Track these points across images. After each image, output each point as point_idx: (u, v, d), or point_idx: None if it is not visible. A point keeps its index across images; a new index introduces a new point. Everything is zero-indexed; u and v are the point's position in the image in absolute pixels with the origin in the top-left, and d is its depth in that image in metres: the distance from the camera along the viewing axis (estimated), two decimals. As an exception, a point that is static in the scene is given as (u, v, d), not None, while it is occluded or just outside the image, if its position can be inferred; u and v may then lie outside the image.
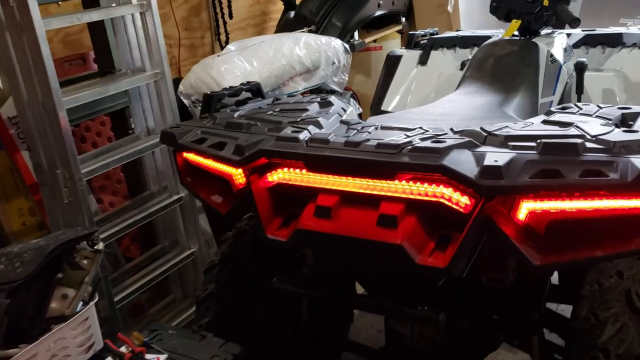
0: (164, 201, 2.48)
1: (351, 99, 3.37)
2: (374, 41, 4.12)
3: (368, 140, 1.42)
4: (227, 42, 4.21)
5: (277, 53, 3.01)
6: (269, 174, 1.56)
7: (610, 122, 1.43)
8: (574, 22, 2.30)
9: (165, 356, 1.72)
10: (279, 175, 1.53)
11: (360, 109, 3.32)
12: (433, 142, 1.36)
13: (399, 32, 4.26)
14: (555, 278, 1.88)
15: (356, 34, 3.67)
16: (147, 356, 1.70)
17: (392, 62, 3.02)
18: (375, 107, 2.95)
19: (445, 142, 1.35)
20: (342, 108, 1.89)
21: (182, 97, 3.08)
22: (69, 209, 2.10)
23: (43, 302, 1.73)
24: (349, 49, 3.28)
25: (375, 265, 1.43)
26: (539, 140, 1.30)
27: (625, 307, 1.44)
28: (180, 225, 2.58)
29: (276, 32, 3.82)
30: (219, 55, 3.03)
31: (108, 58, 2.53)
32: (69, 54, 3.26)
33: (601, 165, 1.21)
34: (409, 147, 1.34)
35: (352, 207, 1.44)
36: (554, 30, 2.55)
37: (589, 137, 1.31)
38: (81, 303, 1.86)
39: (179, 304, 2.69)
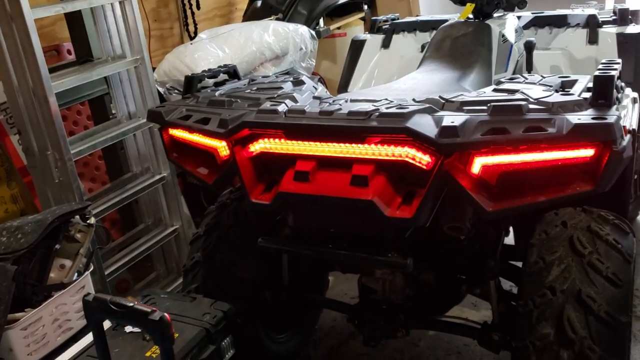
0: (147, 181, 2.61)
1: (319, 83, 3.55)
2: (338, 28, 4.29)
3: (340, 109, 1.60)
4: (195, 33, 4.32)
5: (247, 40, 3.16)
6: (251, 144, 1.72)
7: (551, 88, 1.64)
8: (521, 4, 2.51)
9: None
10: (260, 145, 1.70)
11: (328, 93, 3.50)
12: (398, 108, 1.54)
13: (361, 19, 4.45)
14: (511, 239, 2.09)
15: (321, 21, 3.84)
16: (143, 317, 1.84)
17: (357, 46, 3.19)
18: (342, 90, 3.12)
19: (408, 108, 1.54)
20: (314, 86, 2.06)
21: (156, 85, 3.20)
22: (59, 189, 2.22)
23: (44, 270, 1.87)
24: (315, 35, 3.45)
25: (350, 220, 1.60)
26: (489, 104, 1.50)
27: (569, 251, 1.63)
28: (163, 204, 2.72)
29: (243, 21, 3.96)
30: (191, 44, 3.17)
31: (86, 47, 2.63)
32: (42, 45, 3.34)
33: (541, 122, 1.41)
34: (377, 114, 1.53)
35: (327, 171, 1.62)
36: (506, 12, 2.76)
37: (531, 100, 1.51)
38: (76, 274, 2.00)
39: (163, 280, 2.83)
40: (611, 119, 1.36)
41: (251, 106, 1.78)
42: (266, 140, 1.69)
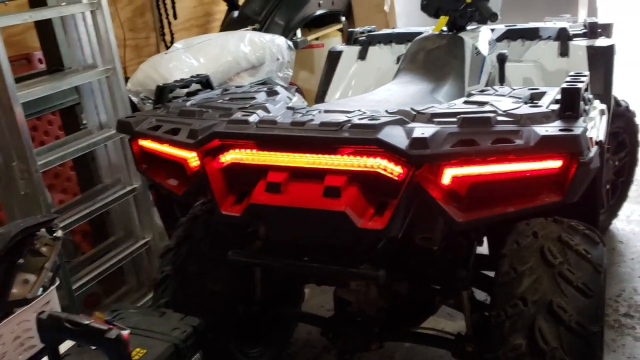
0: (118, 192, 2.57)
1: (296, 93, 3.55)
2: (317, 39, 4.30)
3: (312, 120, 1.59)
4: (172, 42, 4.29)
5: (223, 50, 3.14)
6: (221, 155, 1.70)
7: (520, 100, 1.65)
8: (493, 17, 2.54)
9: (127, 331, 1.83)
10: (231, 156, 1.68)
11: (306, 103, 3.50)
12: (369, 120, 1.54)
13: (339, 30, 4.47)
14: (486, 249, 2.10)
15: (299, 32, 3.85)
16: (110, 333, 1.80)
17: (334, 57, 3.19)
18: (319, 100, 3.12)
19: (379, 119, 1.53)
20: (288, 97, 2.05)
21: (130, 95, 3.16)
22: (25, 201, 2.17)
23: (5, 286, 1.81)
24: (292, 45, 3.45)
25: (322, 232, 1.59)
26: (458, 116, 1.50)
27: (540, 261, 1.64)
28: (134, 216, 2.68)
29: (220, 31, 3.95)
30: (166, 53, 3.14)
31: (57, 56, 2.59)
32: (12, 54, 3.29)
33: (509, 134, 1.42)
34: (349, 125, 1.52)
35: (300, 182, 1.61)
36: (479, 25, 2.79)
37: (500, 112, 1.52)
38: (41, 288, 1.94)
39: (134, 293, 2.78)
40: (578, 130, 1.37)
41: (222, 116, 1.77)
42: (237, 151, 1.67)
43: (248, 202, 1.64)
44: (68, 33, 2.45)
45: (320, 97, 3.12)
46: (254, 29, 3.60)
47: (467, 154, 1.41)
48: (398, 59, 3.02)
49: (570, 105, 1.47)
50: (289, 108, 1.85)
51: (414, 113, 1.59)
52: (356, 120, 1.54)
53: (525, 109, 1.52)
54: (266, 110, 1.76)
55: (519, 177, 1.44)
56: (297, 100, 2.07)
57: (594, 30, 2.74)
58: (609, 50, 2.62)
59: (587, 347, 1.52)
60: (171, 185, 1.86)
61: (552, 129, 1.40)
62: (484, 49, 2.68)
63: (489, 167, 1.44)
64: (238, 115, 1.69)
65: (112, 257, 2.61)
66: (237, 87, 2.19)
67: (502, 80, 2.70)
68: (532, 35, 2.90)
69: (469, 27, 2.77)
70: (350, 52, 3.19)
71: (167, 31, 4.26)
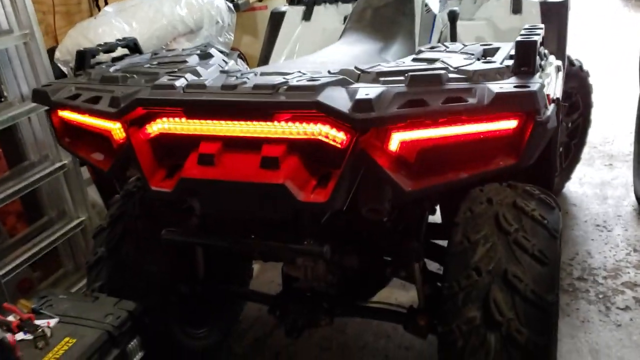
0: (46, 169, 2.36)
1: (238, 59, 3.36)
2: (260, 0, 4.08)
3: (245, 83, 1.43)
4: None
5: (157, 13, 2.93)
6: (148, 125, 1.53)
7: (473, 56, 1.53)
8: None
9: (56, 320, 1.67)
10: (158, 126, 1.51)
11: (247, 67, 3.32)
12: (308, 81, 1.39)
13: (283, -9, 4.25)
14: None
15: (240, -8, 3.62)
16: (37, 322, 1.64)
17: (276, 19, 3.01)
18: (262, 65, 2.95)
19: (320, 80, 1.39)
20: (223, 60, 1.88)
21: (59, 64, 2.93)
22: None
23: None
24: (232, 8, 3.24)
25: (261, 206, 1.45)
26: (406, 74, 1.37)
27: (494, 229, 1.55)
28: (67, 194, 2.48)
29: (157, -7, 3.69)
30: (95, 18, 2.90)
31: (-33, 21, 2.34)
32: None
33: (461, 92, 1.30)
34: (285, 87, 1.37)
35: (235, 152, 1.46)
36: (428, -19, 2.65)
37: (451, 68, 1.39)
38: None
39: (72, 276, 2.60)
40: (534, 87, 1.26)
41: (148, 82, 1.59)
42: (165, 120, 1.51)
43: (179, 177, 1.49)
44: (-22, -4, 2.20)
45: (263, 61, 2.94)
46: (192, -10, 3.36)
47: (417, 115, 1.28)
48: (345, 18, 2.87)
49: (526, 60, 1.36)
50: (222, 72, 1.69)
51: (358, 72, 1.45)
52: (294, 82, 1.39)
53: (478, 65, 1.39)
54: (196, 74, 1.59)
55: (472, 140, 1.32)
56: (233, 63, 1.90)
57: (546, -16, 2.64)
58: (563, 6, 2.53)
59: (544, 317, 1.45)
60: (96, 161, 1.69)
61: (506, 85, 1.28)
62: (434, 6, 2.56)
63: (439, 129, 1.31)
64: (164, 79, 1.52)
65: (44, 239, 2.41)
66: (168, 50, 2.00)
67: (453, 39, 2.58)
68: (484, -8, 2.79)
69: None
70: (293, 13, 3.01)
71: (101, -5, 3.98)
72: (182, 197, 1.52)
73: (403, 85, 1.35)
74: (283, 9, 3.07)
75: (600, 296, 2.45)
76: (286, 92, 1.36)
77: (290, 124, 1.39)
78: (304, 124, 1.38)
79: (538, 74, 1.36)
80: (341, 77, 1.41)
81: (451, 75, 1.35)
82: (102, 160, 1.67)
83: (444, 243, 1.78)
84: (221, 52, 3.26)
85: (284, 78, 1.47)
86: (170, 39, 2.96)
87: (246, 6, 3.63)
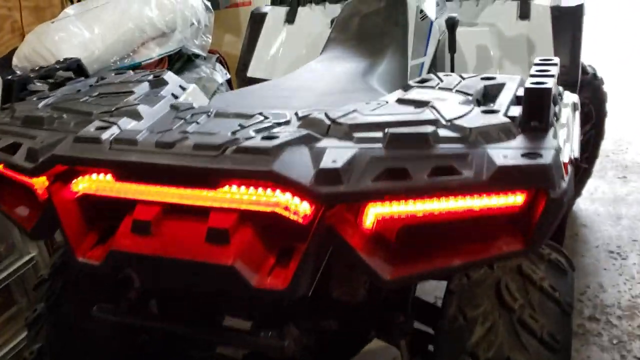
0: (-11, 201, 2.09)
1: (217, 64, 3.06)
2: (245, -5, 3.77)
3: (186, 137, 1.15)
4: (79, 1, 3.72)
5: (123, 16, 2.63)
6: (73, 182, 1.26)
7: (471, 97, 1.24)
8: None
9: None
10: (84, 185, 1.24)
11: (228, 75, 3.03)
12: (264, 138, 1.11)
13: (271, -16, 3.92)
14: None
15: (221, -12, 3.31)
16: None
17: (257, 21, 2.71)
18: (241, 74, 2.66)
19: (278, 138, 1.10)
20: (180, 86, 1.60)
21: (17, 72, 2.65)
22: None
23: None
24: (210, 6, 2.94)
25: (208, 288, 1.19)
26: (387, 129, 1.09)
27: (495, 303, 1.30)
28: (14, 229, 2.21)
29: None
30: (53, 22, 2.61)
31: None
32: None
33: (454, 159, 1.01)
34: (233, 147, 1.09)
35: (176, 220, 1.19)
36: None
37: (443, 121, 1.11)
38: None
39: (26, 312, 2.34)
40: (547, 156, 0.97)
41: (78, 125, 1.31)
42: (91, 178, 1.23)
43: (110, 248, 1.22)
44: None
45: (242, 70, 2.66)
46: (166, -13, 3.05)
47: (395, 192, 1.00)
48: (332, 22, 2.58)
49: (537, 112, 1.07)
50: (173, 107, 1.41)
51: (328, 123, 1.17)
52: (244, 140, 1.11)
53: (477, 118, 1.11)
54: (136, 115, 1.31)
55: (467, 218, 1.05)
56: (192, 89, 1.62)
57: (558, -14, 2.33)
58: (578, 11, 2.23)
59: None
60: (20, 217, 1.40)
61: (512, 152, 1.00)
62: (431, 11, 2.26)
63: (425, 204, 1.03)
64: (91, 128, 1.24)
65: (-7, 276, 2.16)
66: (117, 73, 1.71)
67: (452, 49, 2.28)
68: (487, -7, 2.48)
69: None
70: (275, 14, 2.71)
71: (74, -13, 3.68)
72: (113, 271, 1.25)
73: (381, 146, 1.07)
74: (264, 9, 2.77)
75: (615, 341, 2.19)
76: (234, 156, 1.08)
77: (241, 190, 1.11)
78: (258, 193, 1.10)
79: (552, 131, 1.07)
80: (305, 132, 1.13)
81: (442, 133, 1.07)
82: (26, 217, 1.40)
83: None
84: (198, 56, 2.98)
85: (241, 125, 1.19)
86: (139, 43, 2.66)
87: (227, 3, 3.32)
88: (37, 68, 1.65)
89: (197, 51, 2.89)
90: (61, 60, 1.75)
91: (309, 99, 1.55)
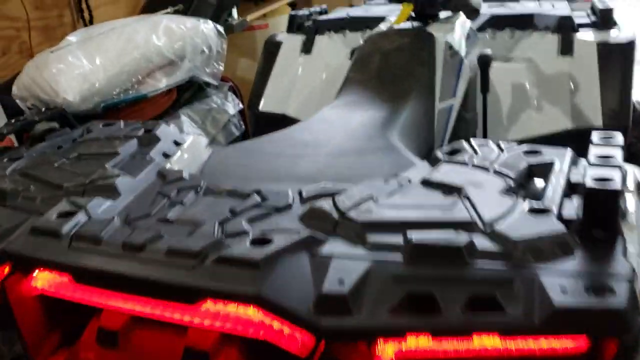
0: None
1: (229, 93, 2.86)
2: (265, 16, 3.56)
3: (160, 237, 0.93)
4: (91, 21, 3.57)
5: (128, 44, 2.44)
6: (33, 277, 1.06)
7: (513, 182, 1.01)
8: (472, 14, 1.86)
9: None
10: (43, 283, 1.03)
11: (241, 105, 2.82)
12: (254, 243, 0.89)
13: (291, 5, 3.72)
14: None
15: (234, 11, 3.10)
16: None
17: (271, 50, 2.51)
18: (253, 108, 2.46)
19: (271, 243, 0.88)
20: (175, 141, 1.40)
21: (17, 100, 2.49)
22: None
23: None
24: (222, 32, 2.73)
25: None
26: (408, 235, 0.86)
27: None
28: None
29: (140, 12, 3.20)
30: (52, 52, 2.43)
31: None
32: None
33: (495, 286, 0.78)
34: (214, 257, 0.87)
35: (149, 331, 0.98)
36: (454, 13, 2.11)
37: (480, 224, 0.88)
38: None
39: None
40: (620, 291, 0.74)
41: (45, 202, 1.11)
42: (50, 276, 1.02)
43: (70, 356, 1.01)
44: None
45: (254, 103, 2.46)
46: (176, 11, 2.86)
47: (419, 330, 0.78)
48: (352, 53, 2.36)
49: (601, 220, 0.84)
50: (160, 175, 1.21)
51: (336, 218, 0.95)
52: (229, 248, 0.89)
53: (523, 220, 0.88)
54: (112, 192, 1.11)
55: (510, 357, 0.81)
56: (187, 147, 1.41)
57: (606, 18, 2.08)
58: (629, 48, 1.97)
59: None
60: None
61: (571, 282, 0.76)
62: (461, 46, 2.02)
63: (459, 342, 0.80)
64: (52, 215, 1.03)
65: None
66: (105, 125, 1.51)
67: (484, 88, 2.05)
68: (524, 23, 2.23)
69: (442, 15, 2.10)
70: (291, 43, 2.50)
71: (85, 7, 3.54)
72: (77, 385, 1.05)
73: (401, 257, 0.84)
74: (279, 37, 2.56)
75: None
76: (215, 268, 0.86)
77: (222, 309, 0.89)
78: (242, 317, 0.88)
79: (620, 242, 0.84)
80: (307, 234, 0.91)
81: (480, 244, 0.83)
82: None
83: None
84: (209, 85, 2.78)
85: (230, 212, 0.98)
86: (144, 74, 2.47)
87: (243, 26, 3.10)
88: (10, 122, 1.46)
89: (208, 80, 2.69)
90: (49, 106, 1.56)
91: (318, 162, 1.33)
